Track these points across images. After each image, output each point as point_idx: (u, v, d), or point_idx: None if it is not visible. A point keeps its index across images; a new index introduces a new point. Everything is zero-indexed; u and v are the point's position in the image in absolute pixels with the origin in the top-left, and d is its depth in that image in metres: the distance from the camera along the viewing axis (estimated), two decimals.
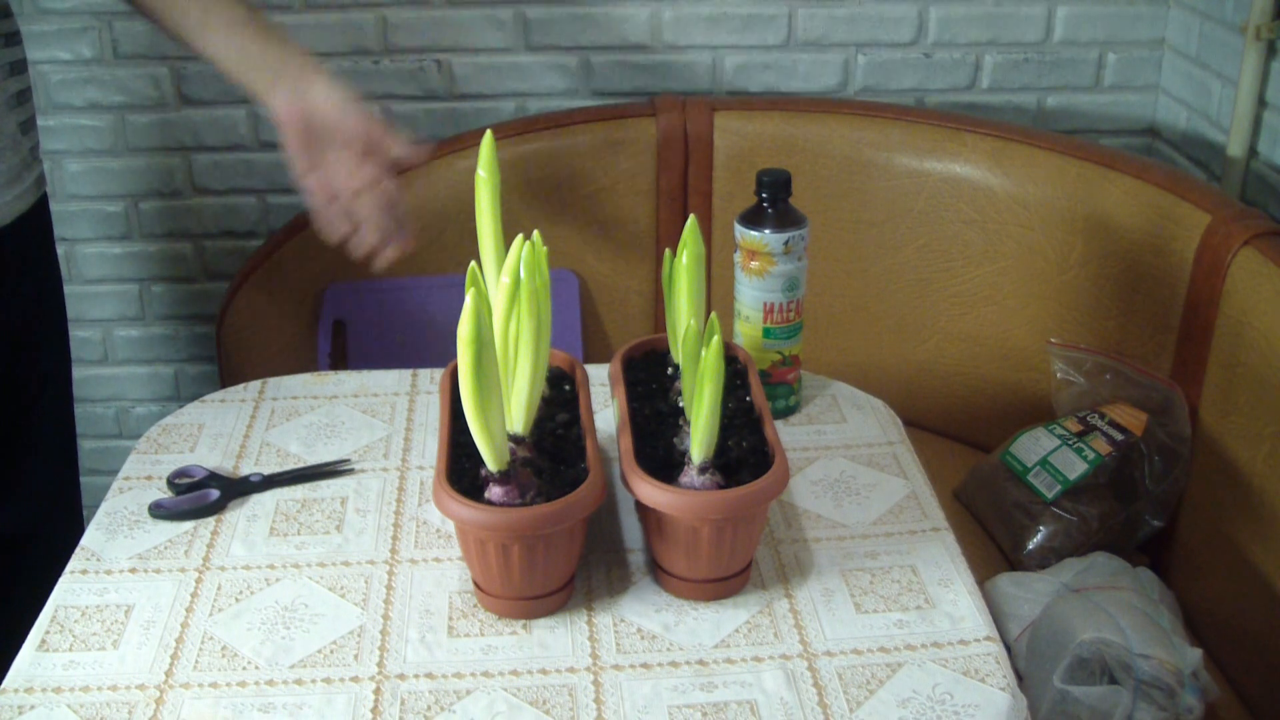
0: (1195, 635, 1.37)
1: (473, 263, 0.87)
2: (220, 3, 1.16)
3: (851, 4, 1.74)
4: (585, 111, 1.70)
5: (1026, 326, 1.59)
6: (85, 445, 1.97)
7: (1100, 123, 1.83)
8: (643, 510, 0.94)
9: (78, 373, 1.84)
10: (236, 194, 1.84)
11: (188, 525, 1.03)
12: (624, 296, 1.72)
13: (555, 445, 0.96)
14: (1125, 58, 1.79)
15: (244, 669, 0.87)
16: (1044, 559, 1.41)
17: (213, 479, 1.08)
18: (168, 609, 0.93)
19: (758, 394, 1.01)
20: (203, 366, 1.96)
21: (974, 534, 1.51)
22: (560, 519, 0.87)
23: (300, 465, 1.11)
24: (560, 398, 1.02)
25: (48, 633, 0.91)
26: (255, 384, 1.25)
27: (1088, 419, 1.46)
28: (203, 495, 1.05)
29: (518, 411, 0.92)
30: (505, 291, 0.89)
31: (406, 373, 1.26)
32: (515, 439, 0.92)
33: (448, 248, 1.66)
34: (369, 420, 1.18)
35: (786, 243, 1.12)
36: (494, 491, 0.88)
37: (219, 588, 0.96)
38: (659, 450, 0.95)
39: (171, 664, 0.88)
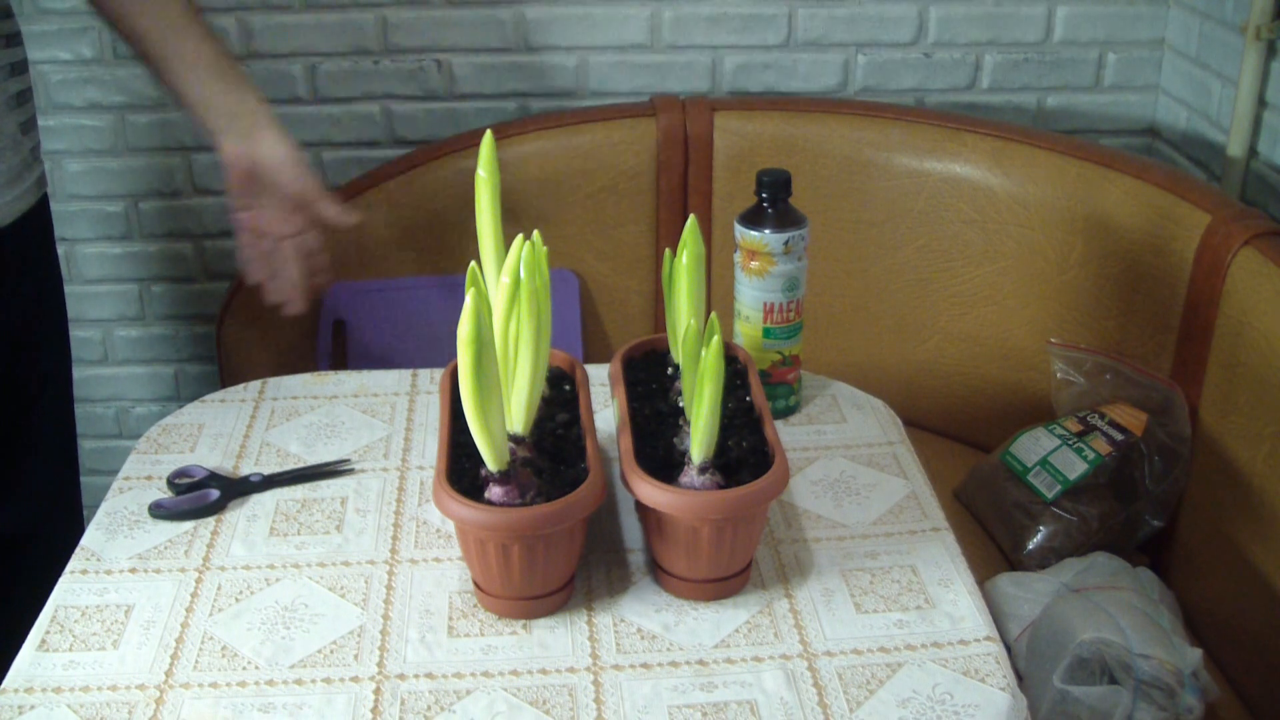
0: (1195, 635, 1.37)
1: (473, 263, 0.87)
2: (190, 38, 1.19)
3: (851, 4, 1.74)
4: (585, 111, 1.71)
5: (1026, 326, 1.59)
6: (85, 445, 1.97)
7: (1100, 123, 1.83)
8: (643, 510, 0.94)
9: (78, 373, 1.84)
10: None
11: (188, 525, 1.03)
12: (624, 296, 1.72)
13: (555, 445, 0.96)
14: (1125, 58, 1.79)
15: (244, 669, 0.87)
16: (1044, 559, 1.41)
17: (213, 479, 1.08)
18: (168, 609, 0.93)
19: (758, 394, 1.01)
20: (203, 366, 1.96)
21: (974, 534, 1.51)
22: (560, 519, 0.87)
23: (300, 465, 1.11)
24: (560, 398, 1.02)
25: (48, 633, 0.91)
26: (255, 384, 1.25)
27: (1088, 419, 1.46)
28: (203, 495, 1.05)
29: (518, 411, 0.92)
30: (505, 291, 0.89)
31: (406, 373, 1.26)
32: (515, 439, 0.93)
33: (448, 248, 1.66)
34: (369, 420, 1.18)
35: (786, 243, 1.12)
36: (494, 491, 0.88)
37: (219, 588, 0.96)
38: (659, 450, 0.95)
39: (171, 664, 0.88)
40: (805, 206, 1.15)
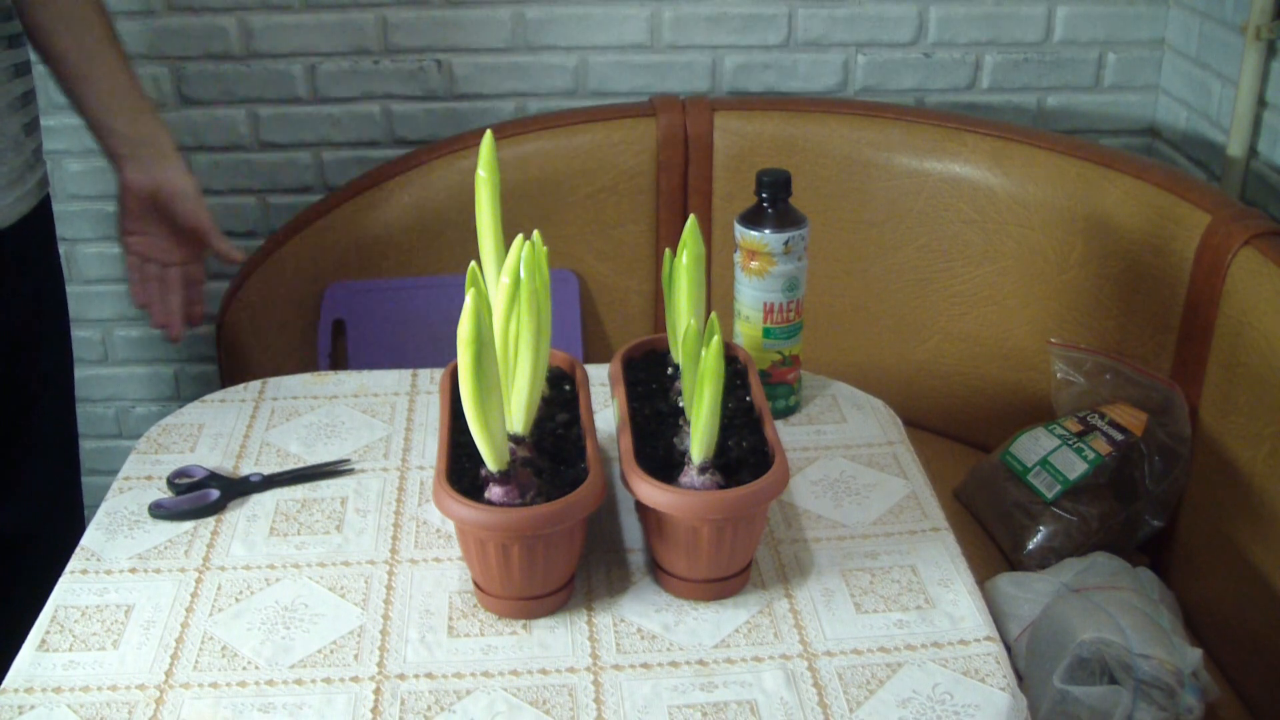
0: (1195, 635, 1.37)
1: (473, 263, 0.87)
2: (106, 64, 1.22)
3: (851, 4, 1.74)
4: (585, 111, 1.71)
5: (1026, 326, 1.59)
6: (85, 445, 1.97)
7: (1100, 123, 1.83)
8: (643, 510, 0.94)
9: (78, 373, 1.83)
10: (236, 194, 1.84)
11: (188, 525, 1.03)
12: (624, 296, 1.72)
13: (555, 445, 0.96)
14: (1125, 58, 1.79)
15: (244, 669, 0.87)
16: (1044, 559, 1.41)
17: (213, 479, 1.08)
18: (168, 609, 0.93)
19: (758, 394, 1.01)
20: (203, 366, 1.96)
21: (974, 534, 1.51)
22: (560, 519, 0.87)
23: (300, 465, 1.11)
24: (560, 398, 1.02)
25: (48, 633, 0.91)
26: (255, 384, 1.25)
27: (1088, 419, 1.46)
28: (203, 495, 1.05)
29: (518, 411, 0.92)
30: (505, 291, 0.89)
31: (406, 373, 1.26)
32: (515, 439, 0.93)
33: (448, 248, 1.66)
34: (369, 420, 1.18)
35: (786, 243, 1.12)
36: (494, 491, 0.88)
37: (219, 588, 0.96)
38: (659, 450, 0.95)
39: (171, 664, 0.88)
40: (805, 206, 1.15)
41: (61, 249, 1.79)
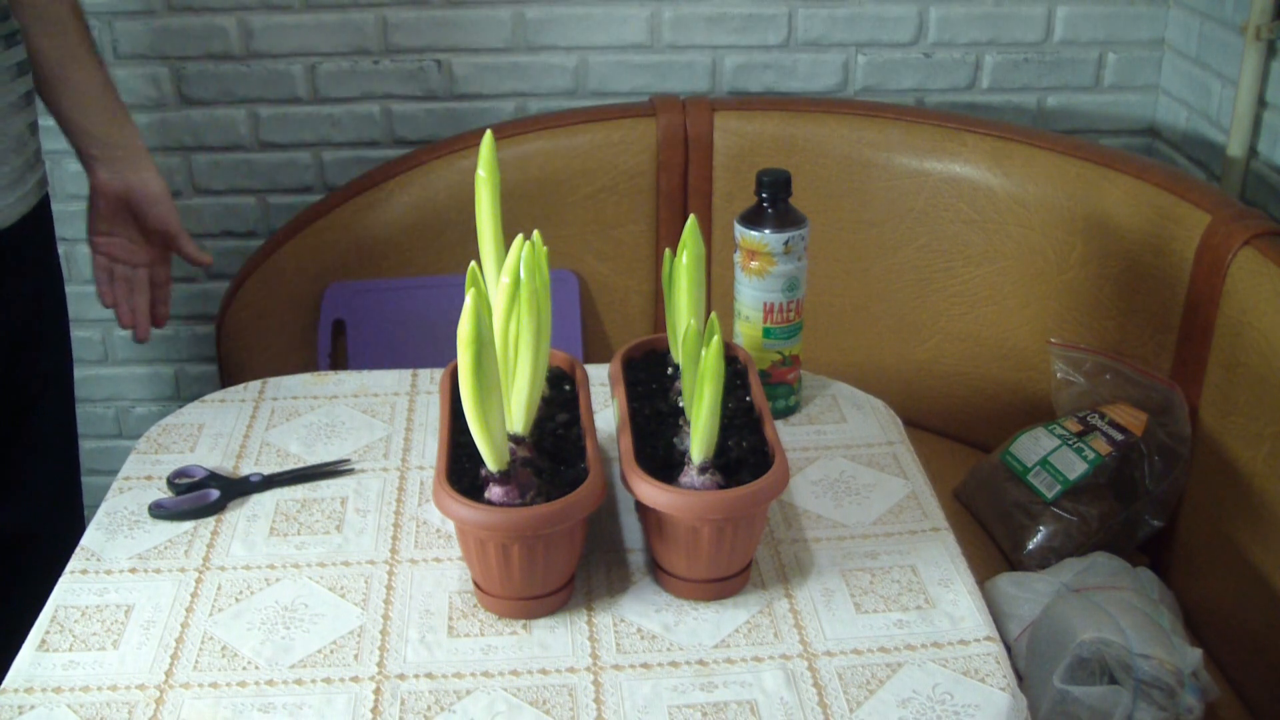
0: (1195, 635, 1.37)
1: (473, 263, 0.87)
2: (83, 66, 1.23)
3: (851, 4, 1.74)
4: (585, 111, 1.71)
5: (1026, 326, 1.59)
6: (85, 445, 1.97)
7: (1100, 123, 1.83)
8: (643, 510, 0.94)
9: (78, 373, 1.83)
10: (236, 194, 1.84)
11: (188, 525, 1.03)
12: (624, 296, 1.72)
13: (555, 445, 0.96)
14: (1125, 58, 1.79)
15: (244, 669, 0.87)
16: (1044, 559, 1.41)
17: (213, 479, 1.08)
18: (168, 609, 0.93)
19: (758, 394, 1.01)
20: (203, 366, 1.96)
21: (974, 534, 1.51)
22: (560, 519, 0.87)
23: (300, 465, 1.11)
24: (560, 398, 1.02)
25: (48, 633, 0.91)
26: (255, 384, 1.25)
27: (1088, 419, 1.46)
28: (203, 495, 1.05)
29: (518, 411, 0.92)
30: (505, 291, 0.89)
31: (406, 373, 1.26)
32: (515, 439, 0.92)
33: (448, 248, 1.66)
34: (369, 420, 1.18)
35: (786, 243, 1.12)
36: (494, 491, 0.88)
37: (219, 588, 0.96)
38: (659, 450, 0.95)
39: (171, 664, 0.88)
40: (805, 206, 1.15)
41: (61, 249, 1.79)
